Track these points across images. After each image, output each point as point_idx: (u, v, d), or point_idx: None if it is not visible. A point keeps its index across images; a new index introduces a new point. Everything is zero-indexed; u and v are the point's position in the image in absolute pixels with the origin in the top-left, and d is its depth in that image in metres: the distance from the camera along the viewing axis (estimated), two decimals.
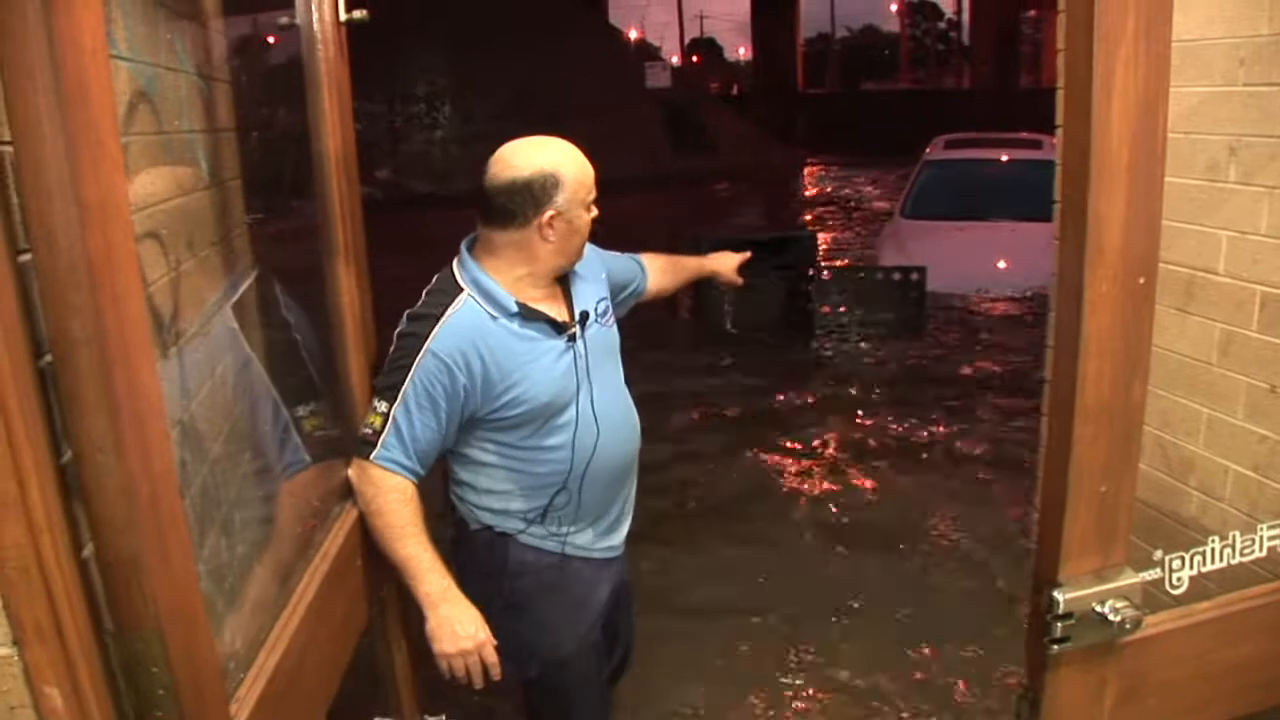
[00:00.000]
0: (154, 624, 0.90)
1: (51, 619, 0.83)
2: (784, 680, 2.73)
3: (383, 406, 1.63)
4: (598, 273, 1.86)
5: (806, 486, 4.06)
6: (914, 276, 6.10)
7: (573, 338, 1.72)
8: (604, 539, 1.85)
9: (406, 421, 1.62)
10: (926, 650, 2.83)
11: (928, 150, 8.35)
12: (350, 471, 1.65)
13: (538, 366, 1.68)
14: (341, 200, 1.61)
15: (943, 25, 26.97)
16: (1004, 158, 7.76)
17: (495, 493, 1.75)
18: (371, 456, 1.62)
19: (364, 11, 1.60)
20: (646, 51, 22.58)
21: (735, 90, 25.01)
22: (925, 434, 4.59)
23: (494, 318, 1.66)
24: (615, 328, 1.87)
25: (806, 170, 17.83)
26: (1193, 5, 1.61)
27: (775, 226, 11.28)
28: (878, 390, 5.20)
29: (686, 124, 16.69)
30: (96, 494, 0.87)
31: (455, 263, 1.72)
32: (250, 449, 1.60)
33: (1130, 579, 1.13)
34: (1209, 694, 1.27)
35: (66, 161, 0.80)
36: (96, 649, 0.89)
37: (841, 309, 6.16)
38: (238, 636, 1.22)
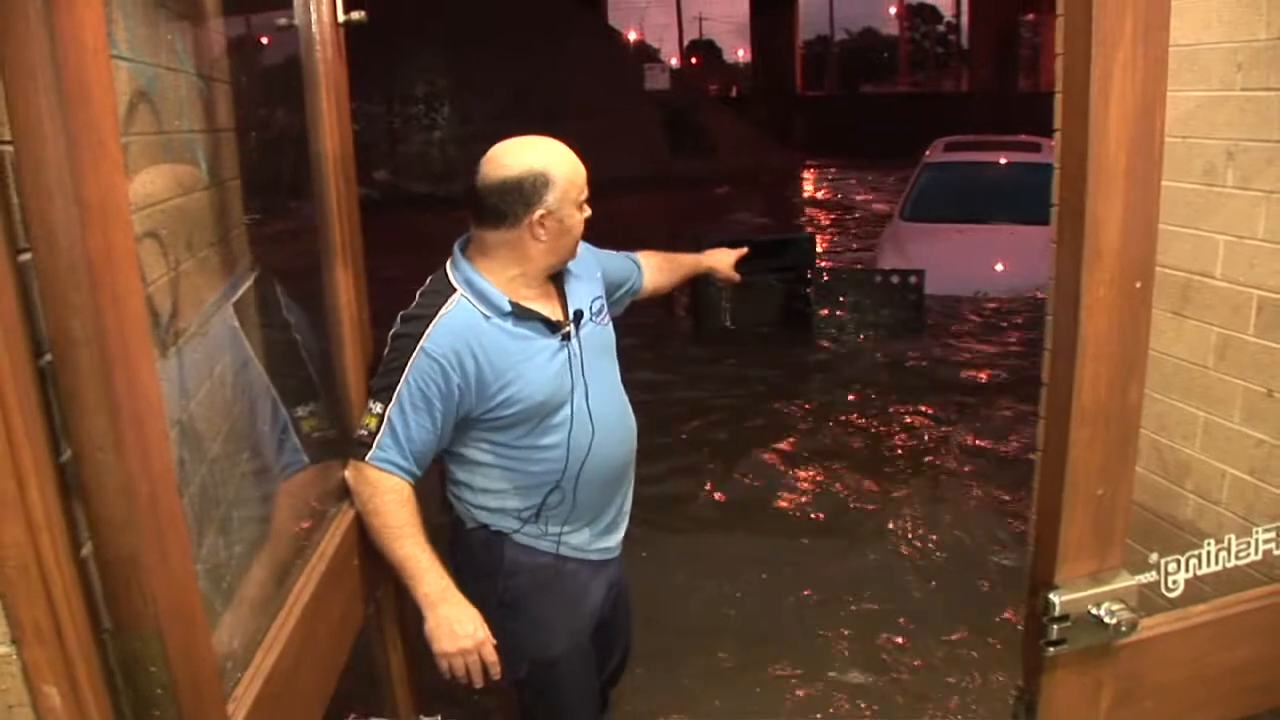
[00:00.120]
0: (153, 623, 0.90)
1: (50, 618, 0.83)
2: (783, 680, 2.73)
3: (378, 408, 1.63)
4: (593, 271, 1.86)
5: (805, 486, 4.06)
6: (913, 279, 6.10)
7: (567, 336, 1.72)
8: (599, 540, 1.85)
9: (401, 422, 1.63)
10: (926, 650, 2.83)
11: (927, 153, 8.34)
12: (347, 473, 1.65)
13: (532, 365, 1.68)
14: (339, 201, 1.61)
15: (942, 28, 26.94)
16: (1003, 160, 7.76)
17: (491, 491, 1.76)
18: (367, 458, 1.63)
19: (362, 12, 1.60)
20: (645, 53, 22.52)
21: (734, 92, 24.93)
22: (925, 435, 4.59)
23: (487, 317, 1.66)
24: (611, 326, 1.87)
25: (805, 172, 17.83)
26: (1190, 10, 1.61)
27: (774, 228, 11.27)
28: (876, 392, 5.21)
29: (685, 126, 16.67)
30: (96, 493, 0.87)
31: (449, 263, 1.72)
32: (249, 449, 1.60)
33: (1126, 582, 1.13)
34: (1205, 697, 1.27)
35: (67, 161, 0.81)
36: (95, 648, 0.89)
37: (840, 311, 6.17)
38: (235, 636, 1.22)
